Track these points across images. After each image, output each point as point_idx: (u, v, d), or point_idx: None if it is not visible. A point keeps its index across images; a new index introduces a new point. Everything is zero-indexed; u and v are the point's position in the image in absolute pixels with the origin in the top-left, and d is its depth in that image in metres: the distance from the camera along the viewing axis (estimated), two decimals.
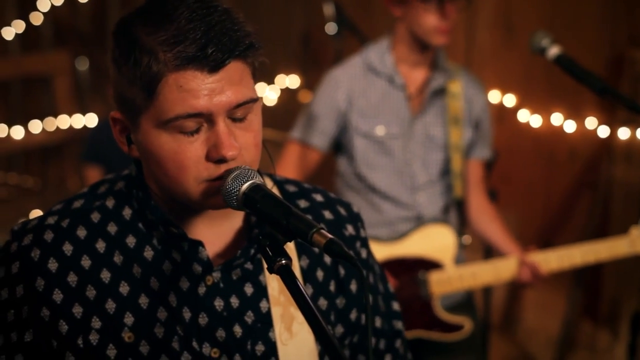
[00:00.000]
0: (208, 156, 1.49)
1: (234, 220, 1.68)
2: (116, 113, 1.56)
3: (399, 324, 1.87)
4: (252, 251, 1.64)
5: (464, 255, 3.49)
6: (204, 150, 1.49)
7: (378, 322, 1.82)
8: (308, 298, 1.39)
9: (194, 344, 1.60)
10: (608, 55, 4.49)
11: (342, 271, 1.76)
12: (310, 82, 5.95)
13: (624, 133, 4.40)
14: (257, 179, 1.48)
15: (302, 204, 1.77)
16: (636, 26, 4.41)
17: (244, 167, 1.49)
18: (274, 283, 1.68)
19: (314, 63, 6.10)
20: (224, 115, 1.49)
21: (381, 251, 3.30)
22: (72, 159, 6.33)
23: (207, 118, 1.48)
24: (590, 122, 4.56)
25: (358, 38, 3.92)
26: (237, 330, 1.63)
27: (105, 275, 1.59)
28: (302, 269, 1.72)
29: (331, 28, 3.93)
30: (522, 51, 4.24)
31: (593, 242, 3.28)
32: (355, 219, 1.82)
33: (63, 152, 6.44)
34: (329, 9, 3.91)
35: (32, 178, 6.22)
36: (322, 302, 1.73)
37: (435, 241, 3.33)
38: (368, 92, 3.34)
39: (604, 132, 4.51)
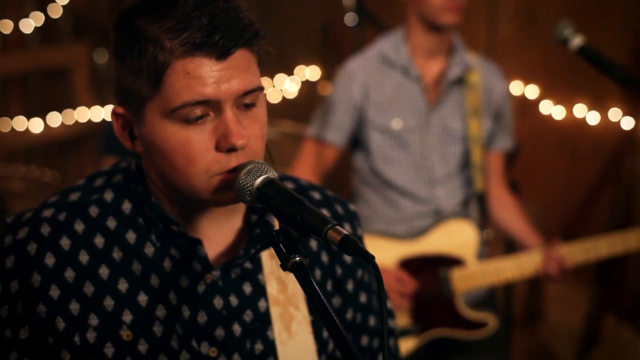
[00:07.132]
0: (217, 147, 1.46)
1: (234, 220, 1.65)
2: (118, 108, 1.52)
3: (392, 323, 1.86)
4: (253, 251, 1.61)
5: (486, 251, 3.43)
6: (213, 141, 1.46)
7: (372, 321, 1.81)
8: (322, 296, 1.37)
9: (193, 342, 1.57)
10: (632, 45, 4.43)
11: (339, 270, 1.74)
12: (331, 73, 5.90)
13: None
14: (271, 174, 1.45)
15: None
16: None
17: (257, 161, 1.47)
18: (272, 282, 1.65)
19: (334, 54, 6.06)
20: (232, 103, 1.46)
21: (401, 249, 3.26)
22: (91, 152, 6.32)
23: (214, 106, 1.45)
24: (614, 114, 4.50)
25: (378, 29, 3.88)
26: (237, 329, 1.61)
27: (104, 272, 1.55)
28: None
29: (351, 19, 3.91)
30: (544, 42, 4.18)
31: (619, 233, 3.22)
32: (352, 217, 1.81)
33: (82, 144, 6.43)
34: (348, 0, 3.88)
35: (51, 171, 6.21)
36: None
37: (456, 237, 3.28)
38: (383, 85, 3.29)
39: (627, 123, 4.46)
